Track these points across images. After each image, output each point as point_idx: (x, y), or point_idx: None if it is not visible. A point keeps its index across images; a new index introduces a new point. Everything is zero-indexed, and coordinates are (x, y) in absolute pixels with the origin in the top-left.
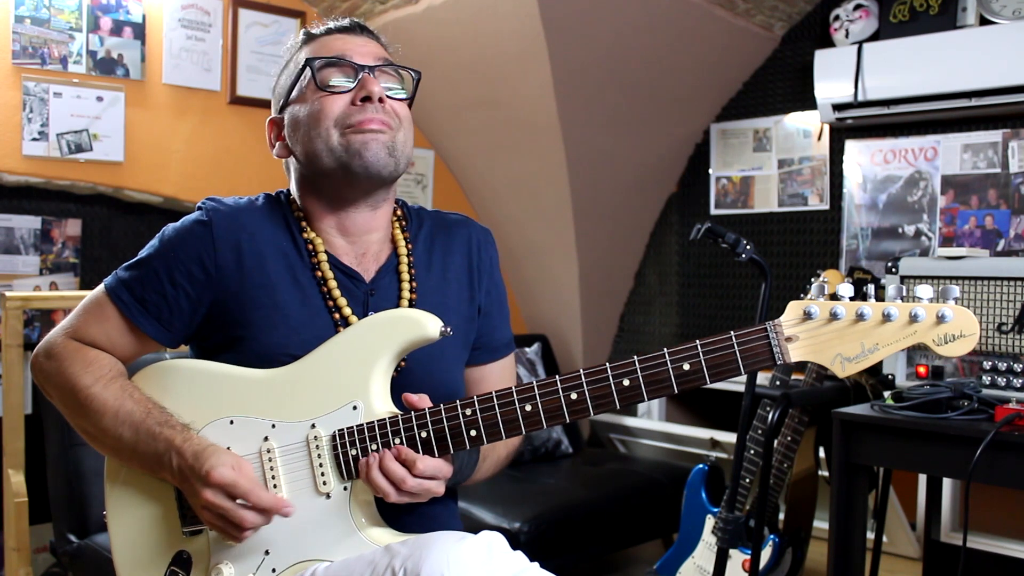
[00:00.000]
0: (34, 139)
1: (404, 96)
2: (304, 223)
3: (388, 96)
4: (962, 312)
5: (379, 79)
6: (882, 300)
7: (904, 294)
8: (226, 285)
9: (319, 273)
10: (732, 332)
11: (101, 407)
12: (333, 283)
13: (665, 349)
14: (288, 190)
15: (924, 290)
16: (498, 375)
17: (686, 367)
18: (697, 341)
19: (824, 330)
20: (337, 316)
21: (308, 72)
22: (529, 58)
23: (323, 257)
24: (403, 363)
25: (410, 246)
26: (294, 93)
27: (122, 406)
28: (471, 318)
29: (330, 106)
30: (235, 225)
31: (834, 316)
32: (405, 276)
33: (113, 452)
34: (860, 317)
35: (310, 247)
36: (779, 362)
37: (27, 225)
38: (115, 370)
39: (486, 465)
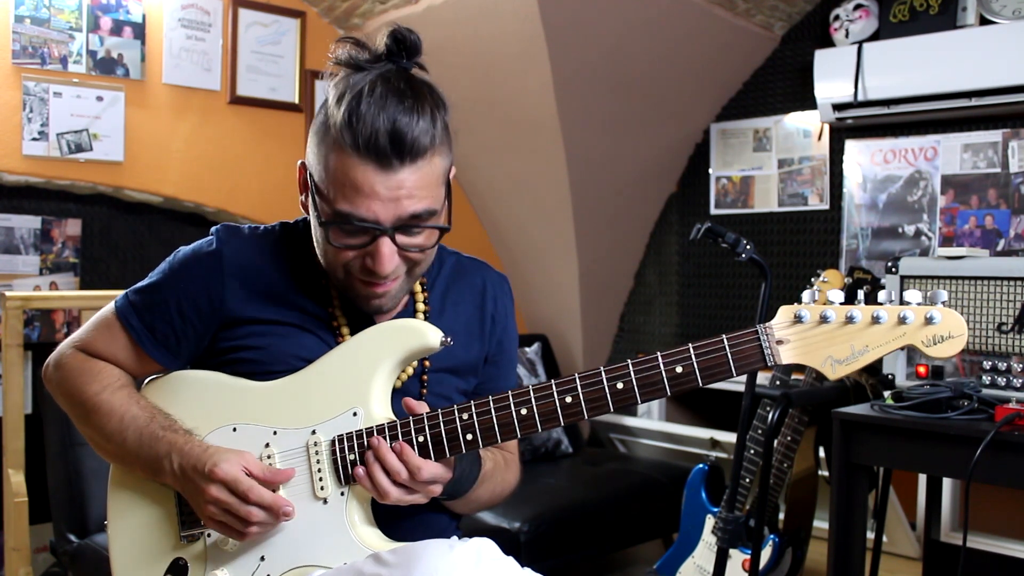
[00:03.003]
0: (34, 139)
1: (426, 248)
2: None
3: (404, 250)
4: (950, 314)
5: (400, 236)
6: (874, 303)
7: (893, 297)
8: (234, 317)
9: (335, 322)
10: (724, 335)
11: (108, 412)
12: (346, 329)
13: (658, 352)
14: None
15: (912, 294)
16: None
17: (679, 369)
18: (689, 344)
19: (814, 333)
20: None
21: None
22: (529, 58)
23: (338, 303)
24: None
25: (427, 295)
26: (317, 190)
27: (127, 411)
28: (474, 368)
29: (340, 256)
30: (247, 260)
31: (824, 319)
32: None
33: (117, 457)
34: (849, 320)
35: (326, 294)
36: (770, 364)
37: (27, 225)
38: (122, 379)
39: (483, 490)
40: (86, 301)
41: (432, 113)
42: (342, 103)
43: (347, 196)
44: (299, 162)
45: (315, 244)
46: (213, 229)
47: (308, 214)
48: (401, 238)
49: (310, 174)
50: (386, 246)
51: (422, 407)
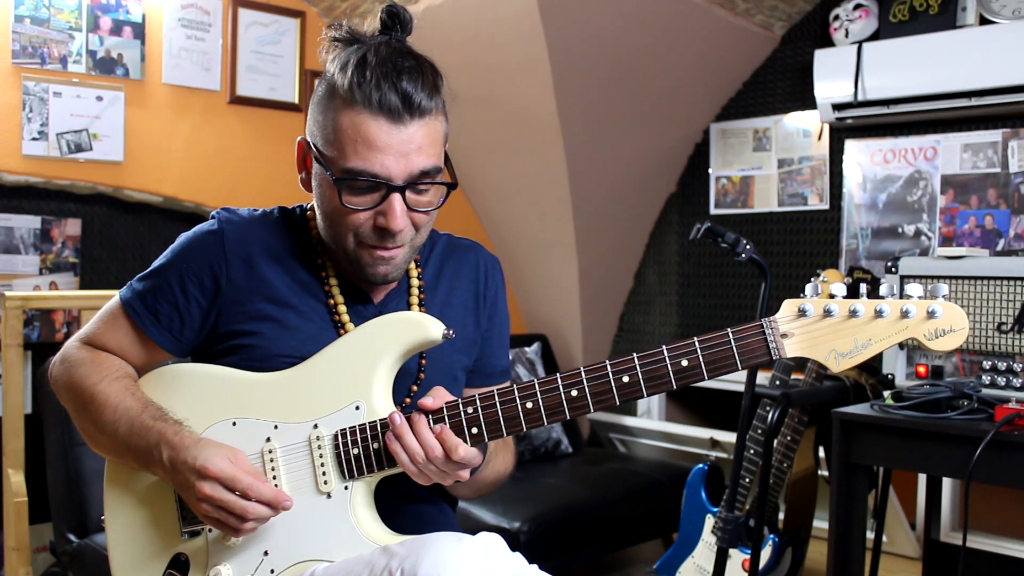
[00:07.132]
0: (34, 139)
1: (432, 209)
2: (319, 246)
3: (413, 210)
4: (951, 308)
5: (409, 195)
6: (876, 298)
7: (895, 292)
8: (236, 296)
9: (331, 300)
10: (729, 329)
11: (103, 403)
12: (343, 307)
13: (664, 346)
14: (304, 207)
15: (914, 288)
16: None
17: (684, 363)
18: (695, 338)
19: (818, 326)
20: (343, 333)
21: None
22: (529, 58)
23: (334, 282)
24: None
25: (420, 270)
26: (322, 155)
27: (122, 401)
28: (473, 343)
29: (349, 219)
30: (247, 237)
31: (828, 313)
32: (415, 300)
33: (110, 450)
34: (853, 314)
35: (323, 272)
36: (775, 357)
37: (27, 225)
38: (122, 370)
39: (488, 471)
40: (86, 301)
41: (433, 76)
42: (348, 67)
43: (359, 152)
44: (298, 139)
45: (320, 218)
46: (213, 212)
47: (311, 190)
48: (410, 196)
49: (314, 144)
50: (398, 202)
51: (439, 400)
